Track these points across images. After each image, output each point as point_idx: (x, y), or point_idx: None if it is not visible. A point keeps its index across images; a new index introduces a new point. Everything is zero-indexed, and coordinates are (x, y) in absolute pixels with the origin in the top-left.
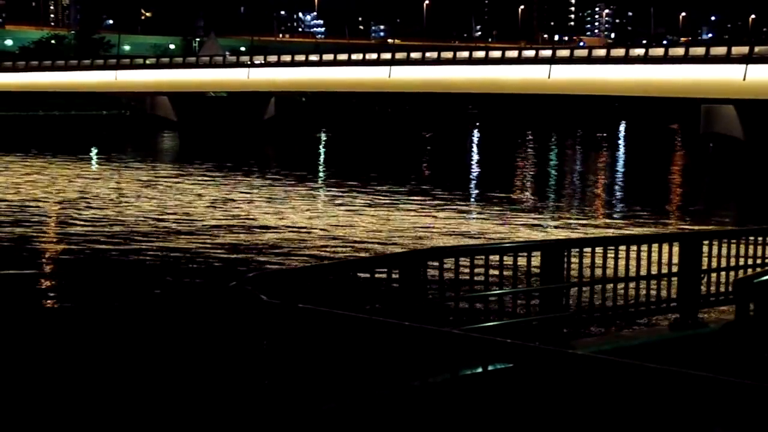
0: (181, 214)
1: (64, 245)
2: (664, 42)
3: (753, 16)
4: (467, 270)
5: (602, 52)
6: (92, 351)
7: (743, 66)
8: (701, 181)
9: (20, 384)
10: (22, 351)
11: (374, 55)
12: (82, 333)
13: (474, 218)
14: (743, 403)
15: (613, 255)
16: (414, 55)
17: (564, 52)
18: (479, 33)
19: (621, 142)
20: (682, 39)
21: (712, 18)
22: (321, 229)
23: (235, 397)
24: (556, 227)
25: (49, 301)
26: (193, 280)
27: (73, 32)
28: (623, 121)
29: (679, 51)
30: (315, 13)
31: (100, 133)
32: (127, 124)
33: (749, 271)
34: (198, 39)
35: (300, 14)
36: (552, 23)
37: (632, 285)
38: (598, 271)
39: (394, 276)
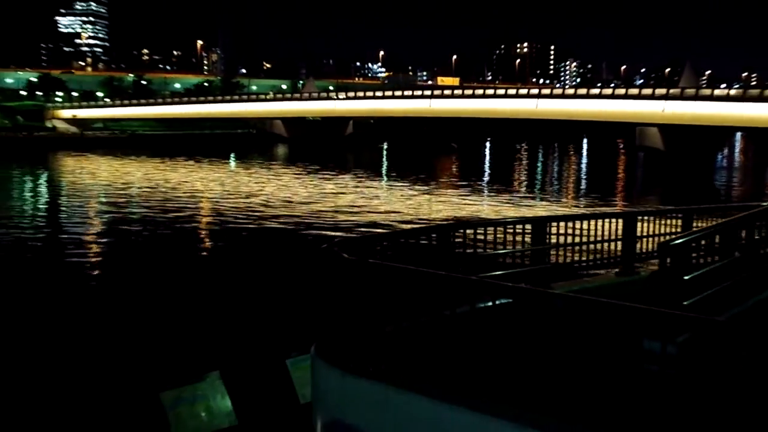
0: (288, 200)
1: (214, 221)
2: (612, 85)
3: (668, 69)
4: (481, 237)
5: (572, 91)
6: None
7: (663, 102)
8: (636, 178)
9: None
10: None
11: (419, 92)
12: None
13: (486, 202)
14: (660, 322)
15: (579, 226)
16: (446, 92)
17: (546, 91)
18: (490, 77)
19: (584, 151)
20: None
21: (642, 70)
22: (383, 211)
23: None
24: (541, 207)
25: (204, 253)
26: (298, 244)
27: (219, 78)
28: (585, 137)
29: (621, 91)
30: (380, 64)
31: (235, 144)
32: (254, 139)
33: (668, 237)
34: (301, 81)
35: (369, 64)
36: (538, 71)
37: (592, 247)
38: (570, 238)
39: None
